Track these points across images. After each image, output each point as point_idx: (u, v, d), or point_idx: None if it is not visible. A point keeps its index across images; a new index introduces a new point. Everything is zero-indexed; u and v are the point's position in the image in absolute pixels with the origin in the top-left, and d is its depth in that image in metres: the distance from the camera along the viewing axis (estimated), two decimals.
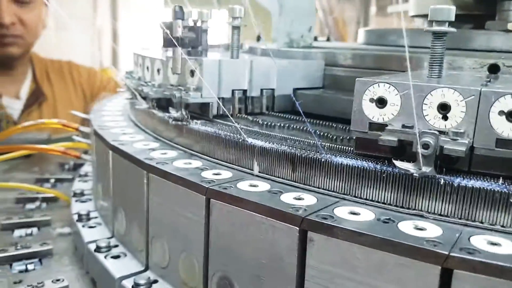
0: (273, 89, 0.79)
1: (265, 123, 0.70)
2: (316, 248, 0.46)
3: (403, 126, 0.47)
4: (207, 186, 0.55)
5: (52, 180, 1.25)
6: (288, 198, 0.52)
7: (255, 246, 0.51)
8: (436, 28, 0.52)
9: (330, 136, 0.62)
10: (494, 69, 0.69)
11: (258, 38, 1.45)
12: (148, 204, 0.65)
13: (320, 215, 0.47)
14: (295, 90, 0.82)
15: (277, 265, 0.49)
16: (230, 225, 0.53)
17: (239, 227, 0.52)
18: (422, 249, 0.40)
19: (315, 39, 1.86)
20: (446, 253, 0.39)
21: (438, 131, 0.45)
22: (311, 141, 0.60)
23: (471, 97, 0.44)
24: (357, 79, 0.50)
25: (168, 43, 0.64)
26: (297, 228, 0.47)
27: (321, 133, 0.64)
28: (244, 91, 0.75)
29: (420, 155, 0.45)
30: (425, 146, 0.44)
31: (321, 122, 0.72)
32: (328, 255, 0.45)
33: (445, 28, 0.52)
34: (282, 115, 0.78)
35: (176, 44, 0.62)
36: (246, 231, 0.52)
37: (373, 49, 0.94)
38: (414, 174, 0.45)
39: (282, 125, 0.69)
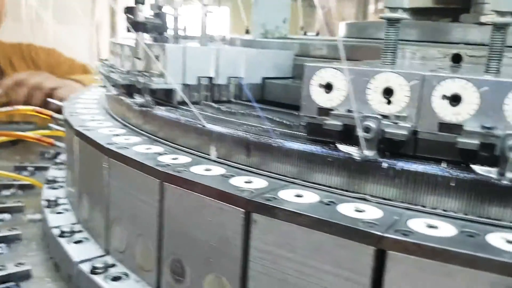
0: (241, 78, 0.79)
1: (228, 110, 0.70)
2: (259, 229, 0.46)
3: (348, 110, 0.47)
4: (160, 170, 0.55)
5: (31, 168, 1.26)
6: (238, 181, 0.52)
7: (204, 229, 0.51)
8: (388, 14, 0.53)
9: (288, 123, 0.62)
10: (456, 58, 0.69)
11: (247, 31, 1.46)
12: (108, 189, 0.65)
13: (265, 197, 0.47)
14: (264, 79, 0.82)
15: (224, 247, 0.50)
16: (182, 208, 0.53)
17: (190, 210, 0.53)
18: (356, 229, 0.40)
19: (305, 34, 1.86)
20: (380, 234, 0.39)
21: (382, 115, 0.46)
22: (269, 128, 0.60)
23: (415, 81, 0.44)
24: (305, 64, 0.50)
25: (132, 27, 0.64)
26: (242, 210, 0.47)
27: (281, 120, 0.64)
28: (211, 79, 0.75)
29: (362, 139, 0.45)
30: (367, 129, 0.45)
31: (284, 110, 0.72)
32: (270, 236, 0.46)
33: (397, 14, 0.52)
34: (249, 103, 0.78)
35: (133, 28, 0.62)
36: (196, 214, 0.52)
37: (347, 41, 0.94)
38: (356, 158, 0.46)
39: (244, 112, 0.69)
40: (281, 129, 0.60)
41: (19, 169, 1.26)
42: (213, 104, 0.74)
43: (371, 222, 0.41)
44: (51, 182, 0.99)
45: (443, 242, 0.38)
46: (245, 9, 1.25)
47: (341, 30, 1.29)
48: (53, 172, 1.06)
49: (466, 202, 0.44)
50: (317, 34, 1.92)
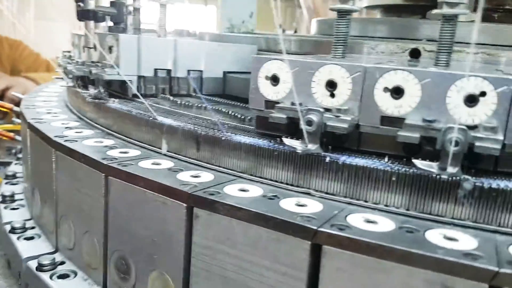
0: (201, 71, 0.77)
1: (184, 103, 0.69)
2: (201, 224, 0.45)
3: (292, 103, 0.46)
4: (105, 163, 0.53)
5: None
6: (184, 175, 0.51)
7: (148, 224, 0.50)
8: (339, 5, 0.52)
9: (240, 116, 0.61)
10: (415, 53, 0.69)
11: None
12: (57, 184, 0.63)
13: (208, 191, 0.46)
14: (225, 73, 0.81)
15: (167, 243, 0.48)
16: (126, 203, 0.52)
17: (133, 205, 0.51)
18: (292, 224, 0.39)
19: (283, 31, 1.86)
20: (315, 228, 0.38)
21: (325, 108, 0.45)
22: (217, 121, 0.58)
23: (357, 74, 0.44)
24: (252, 56, 0.49)
25: (80, 15, 0.62)
26: (184, 205, 0.46)
27: (235, 114, 0.63)
28: (169, 71, 0.73)
29: (305, 132, 0.44)
30: (309, 122, 0.44)
31: (243, 105, 0.71)
32: (211, 231, 0.44)
33: (348, 6, 0.51)
34: (209, 97, 0.77)
35: (81, 16, 0.60)
36: (140, 209, 0.50)
37: (312, 37, 0.93)
38: (298, 151, 0.45)
39: (199, 105, 0.68)
40: (234, 123, 0.59)
41: None
42: (171, 97, 0.72)
43: (309, 216, 0.40)
44: (10, 177, 0.96)
45: (379, 238, 0.37)
46: None
47: (313, 27, 1.29)
48: (13, 168, 1.03)
49: (407, 197, 0.43)
50: (295, 32, 1.92)
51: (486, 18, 1.06)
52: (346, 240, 0.37)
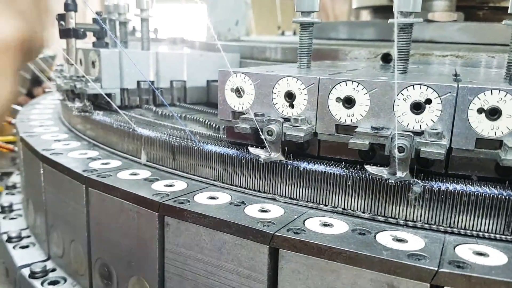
0: (184, 81, 0.80)
1: (165, 113, 0.72)
2: (171, 232, 0.48)
3: (255, 114, 0.48)
4: (86, 175, 0.56)
5: None
6: (159, 185, 0.53)
7: (125, 233, 0.53)
8: (301, 19, 0.54)
9: (215, 126, 0.64)
10: (386, 58, 0.71)
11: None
12: (45, 195, 0.66)
13: (178, 200, 0.48)
14: (209, 82, 0.83)
15: (143, 250, 0.51)
16: (105, 212, 0.55)
17: (112, 214, 0.54)
18: (252, 229, 0.42)
19: (283, 33, 1.88)
20: (271, 232, 0.41)
21: (285, 118, 0.47)
22: (188, 131, 0.61)
23: (311, 85, 0.46)
24: (219, 69, 0.52)
25: (61, 34, 0.65)
26: (156, 213, 0.49)
27: (210, 124, 0.65)
28: (152, 82, 0.76)
29: (266, 141, 0.47)
30: (269, 132, 0.46)
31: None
32: (181, 238, 0.47)
33: (309, 19, 0.54)
34: (192, 106, 0.80)
35: (62, 35, 0.63)
36: (118, 218, 0.53)
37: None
38: (260, 160, 0.47)
39: (180, 115, 0.71)
40: (209, 133, 0.61)
41: None
42: (153, 108, 0.75)
43: (269, 221, 0.43)
44: (11, 187, 1.00)
45: (330, 240, 0.40)
46: None
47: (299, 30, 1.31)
48: (14, 178, 1.07)
49: (363, 201, 0.45)
50: (294, 33, 1.94)
51: (470, 16, 1.07)
52: (299, 243, 0.40)
